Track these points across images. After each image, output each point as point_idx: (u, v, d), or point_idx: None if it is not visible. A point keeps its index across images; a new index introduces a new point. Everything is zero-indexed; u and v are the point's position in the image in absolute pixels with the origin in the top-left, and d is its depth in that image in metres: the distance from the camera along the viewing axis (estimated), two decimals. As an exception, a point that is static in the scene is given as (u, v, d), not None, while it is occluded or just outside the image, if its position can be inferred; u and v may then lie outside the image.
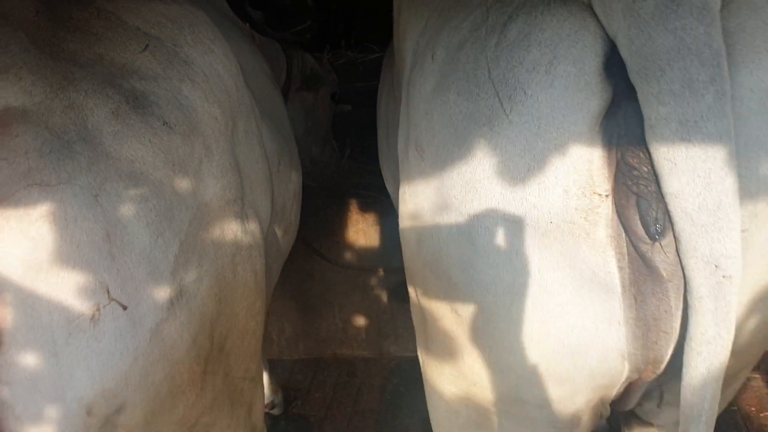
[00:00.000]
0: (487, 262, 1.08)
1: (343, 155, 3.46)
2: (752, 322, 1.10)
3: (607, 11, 0.96)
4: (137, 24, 1.30)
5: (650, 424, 1.44)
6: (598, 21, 0.98)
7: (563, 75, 0.98)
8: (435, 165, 1.12)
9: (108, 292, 1.06)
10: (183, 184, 1.19)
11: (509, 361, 1.14)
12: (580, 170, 0.99)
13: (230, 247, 1.31)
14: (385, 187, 3.02)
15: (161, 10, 1.37)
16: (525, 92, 1.00)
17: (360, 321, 3.43)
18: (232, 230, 1.32)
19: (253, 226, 1.41)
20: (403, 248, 1.31)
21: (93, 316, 1.05)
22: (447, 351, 1.24)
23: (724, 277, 0.94)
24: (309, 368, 3.44)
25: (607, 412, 1.26)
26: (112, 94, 1.14)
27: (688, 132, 0.91)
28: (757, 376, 3.03)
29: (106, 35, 1.24)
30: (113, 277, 1.07)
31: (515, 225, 1.04)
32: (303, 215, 2.20)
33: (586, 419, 1.22)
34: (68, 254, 1.02)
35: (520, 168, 1.01)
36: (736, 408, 2.87)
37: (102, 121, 1.11)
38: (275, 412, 3.05)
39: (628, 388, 1.19)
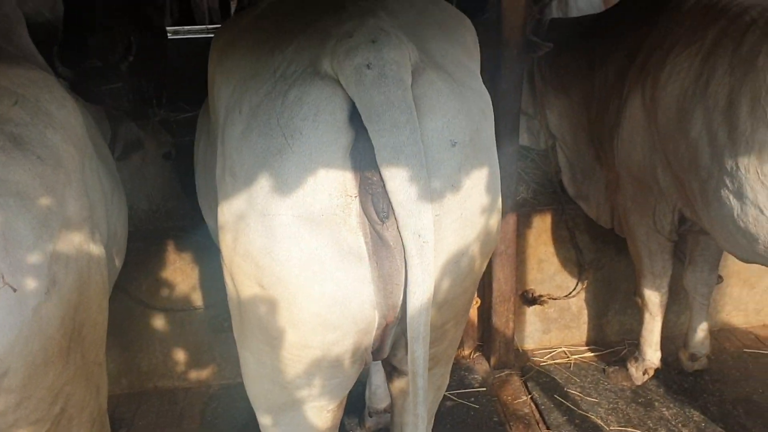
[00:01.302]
0: (282, 246, 1.59)
1: (159, 200, 3.81)
2: (446, 282, 1.71)
3: (347, 82, 1.54)
4: (6, 84, 1.70)
5: (403, 373, 2.01)
6: (344, 89, 1.55)
7: (324, 122, 1.54)
8: (245, 184, 1.62)
9: (2, 277, 1.43)
10: (53, 202, 1.59)
11: (300, 315, 1.65)
12: (338, 181, 1.55)
13: (86, 254, 1.71)
14: (200, 228, 3.42)
15: (23, 73, 1.78)
16: (301, 133, 1.55)
17: (179, 354, 3.75)
18: (86, 241, 1.72)
19: (98, 242, 1.82)
20: (223, 250, 1.77)
21: (-10, 296, 1.42)
22: (256, 318, 1.72)
23: (424, 242, 1.55)
24: (133, 401, 3.68)
25: (369, 359, 1.81)
26: None
27: (397, 153, 1.51)
28: (514, 373, 3.77)
29: (-18, 92, 1.63)
30: (7, 266, 1.45)
31: (299, 219, 1.56)
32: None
33: (351, 361, 1.77)
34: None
35: (300, 181, 1.55)
36: (496, 399, 3.57)
37: None
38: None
39: (382, 335, 1.74)
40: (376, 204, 1.56)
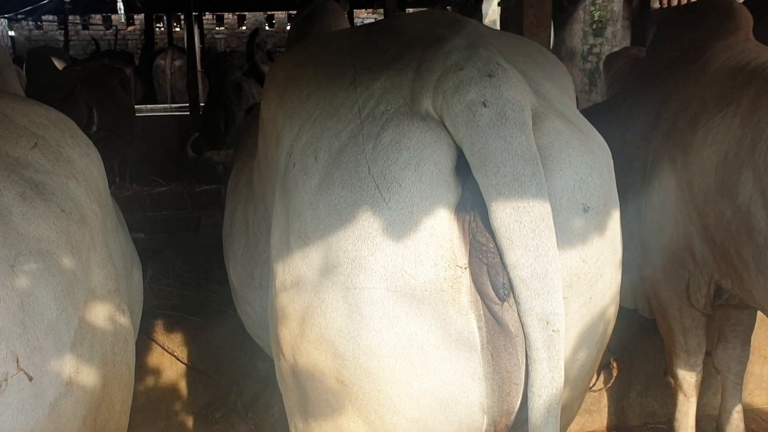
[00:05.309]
0: (372, 330, 1.26)
1: (145, 277, 3.47)
2: (577, 364, 1.40)
3: (454, 123, 1.27)
4: (24, 123, 1.39)
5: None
6: (449, 133, 1.28)
7: (428, 173, 1.25)
8: (322, 249, 1.30)
9: (18, 362, 1.09)
10: (79, 266, 1.27)
11: (392, 419, 1.30)
12: (445, 247, 1.24)
13: (111, 336, 1.37)
14: (188, 307, 3.06)
15: (43, 112, 1.48)
16: (400, 185, 1.25)
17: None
18: (112, 320, 1.38)
19: (126, 321, 1.47)
20: (281, 330, 1.43)
21: (0, 385, 1.08)
22: (331, 421, 1.37)
23: (554, 331, 1.22)
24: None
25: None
26: (18, 180, 1.23)
27: (520, 215, 1.20)
28: None
29: (-3, 131, 1.33)
30: (23, 347, 1.11)
31: (396, 294, 1.25)
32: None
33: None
34: (-15, 322, 1.06)
35: (398, 246, 1.24)
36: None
37: (11, 202, 1.19)
38: None
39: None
40: (493, 277, 1.24)
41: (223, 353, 3.20)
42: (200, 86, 9.07)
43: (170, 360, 3.21)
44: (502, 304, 1.25)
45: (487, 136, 1.24)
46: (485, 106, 1.25)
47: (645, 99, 3.17)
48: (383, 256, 1.25)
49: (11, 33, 16.83)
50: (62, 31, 16.12)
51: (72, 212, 1.31)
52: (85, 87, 6.03)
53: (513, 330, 1.25)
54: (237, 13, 20.69)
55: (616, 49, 8.71)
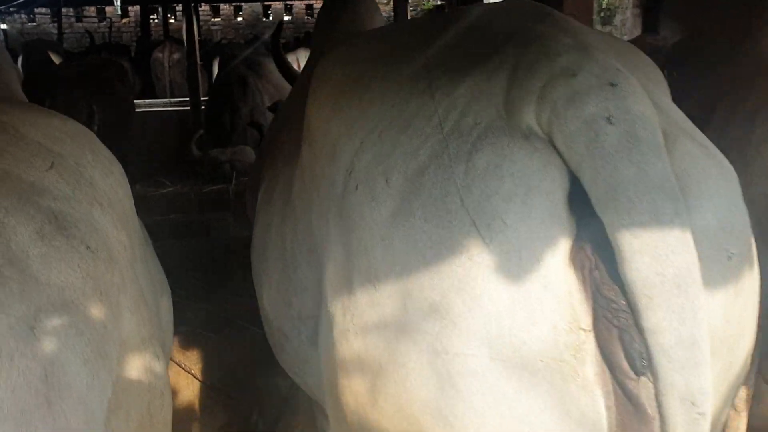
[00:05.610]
0: (469, 407, 1.02)
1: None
2: (716, 430, 1.16)
3: (569, 143, 1.02)
4: (38, 138, 1.15)
5: None
6: (559, 155, 1.04)
7: (539, 207, 1.01)
8: (396, 295, 1.07)
9: (41, 449, 0.86)
10: (109, 315, 1.04)
11: None
12: (564, 304, 1.00)
13: (147, 394, 1.13)
14: (204, 321, 2.83)
15: (58, 124, 1.24)
16: (504, 222, 1.01)
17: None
18: (147, 373, 1.15)
19: (162, 369, 1.23)
20: (342, 391, 1.19)
21: (20, 482, 0.85)
22: None
23: (699, 414, 0.97)
24: None
25: None
26: (34, 212, 1.00)
27: (662, 266, 0.95)
28: None
29: (8, 150, 1.08)
30: (50, 428, 0.88)
31: (502, 364, 1.01)
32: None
33: None
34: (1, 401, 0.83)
35: (504, 301, 1.00)
36: None
37: (27, 242, 0.96)
38: None
39: None
40: (627, 344, 0.99)
41: (243, 371, 2.99)
42: (200, 79, 8.82)
43: (186, 378, 3.00)
44: (639, 380, 0.99)
45: (615, 162, 0.98)
46: (611, 123, 1.00)
47: (691, 98, 2.95)
48: (484, 313, 1.01)
49: (3, 26, 16.50)
50: (55, 24, 15.81)
51: (98, 249, 1.07)
52: (85, 83, 5.78)
53: (650, 413, 1.00)
54: (233, 4, 20.42)
55: (626, 38, 8.48)
